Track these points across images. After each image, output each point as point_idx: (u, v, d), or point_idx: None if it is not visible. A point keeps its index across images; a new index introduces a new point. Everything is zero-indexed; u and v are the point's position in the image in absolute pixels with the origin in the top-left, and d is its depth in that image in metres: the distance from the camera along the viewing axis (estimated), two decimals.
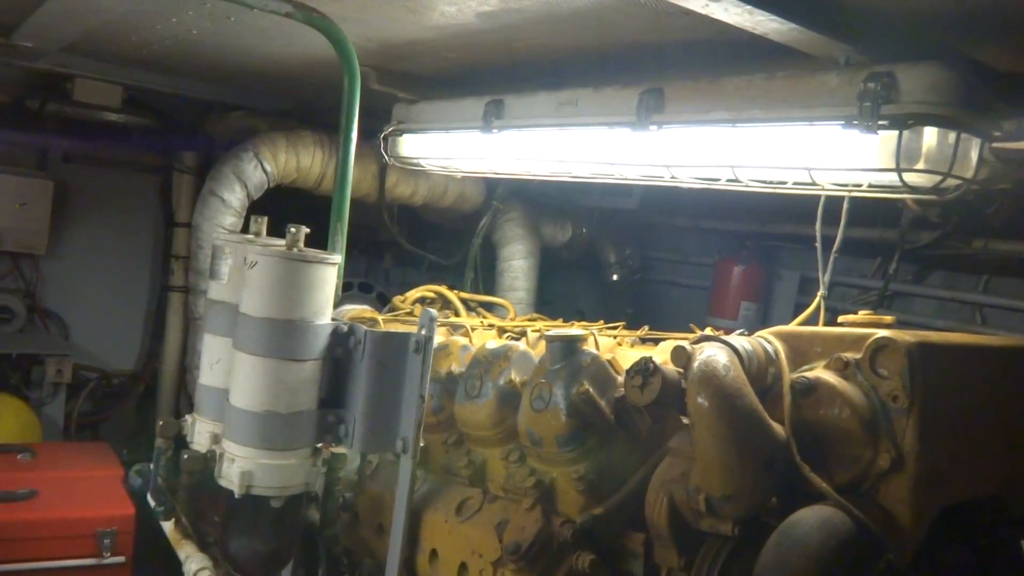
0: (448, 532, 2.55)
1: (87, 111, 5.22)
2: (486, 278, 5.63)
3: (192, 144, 5.54)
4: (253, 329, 2.46)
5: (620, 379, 2.39)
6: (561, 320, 3.82)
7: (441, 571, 2.53)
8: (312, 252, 2.48)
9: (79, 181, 5.78)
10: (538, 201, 5.70)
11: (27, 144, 5.60)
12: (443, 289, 4.14)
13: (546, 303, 6.26)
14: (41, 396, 5.12)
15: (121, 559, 3.75)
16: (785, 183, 2.85)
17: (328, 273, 2.50)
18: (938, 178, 2.46)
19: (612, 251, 6.27)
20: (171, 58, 4.25)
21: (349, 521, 2.89)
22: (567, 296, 6.73)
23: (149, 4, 3.26)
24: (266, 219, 2.79)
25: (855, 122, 2.43)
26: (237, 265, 2.62)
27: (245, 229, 2.89)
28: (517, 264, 5.38)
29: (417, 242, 5.73)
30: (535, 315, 4.37)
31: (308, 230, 2.55)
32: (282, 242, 2.54)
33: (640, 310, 6.24)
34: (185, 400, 5.22)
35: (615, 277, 6.29)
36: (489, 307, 4.46)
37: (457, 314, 3.96)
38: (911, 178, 2.47)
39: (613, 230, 6.28)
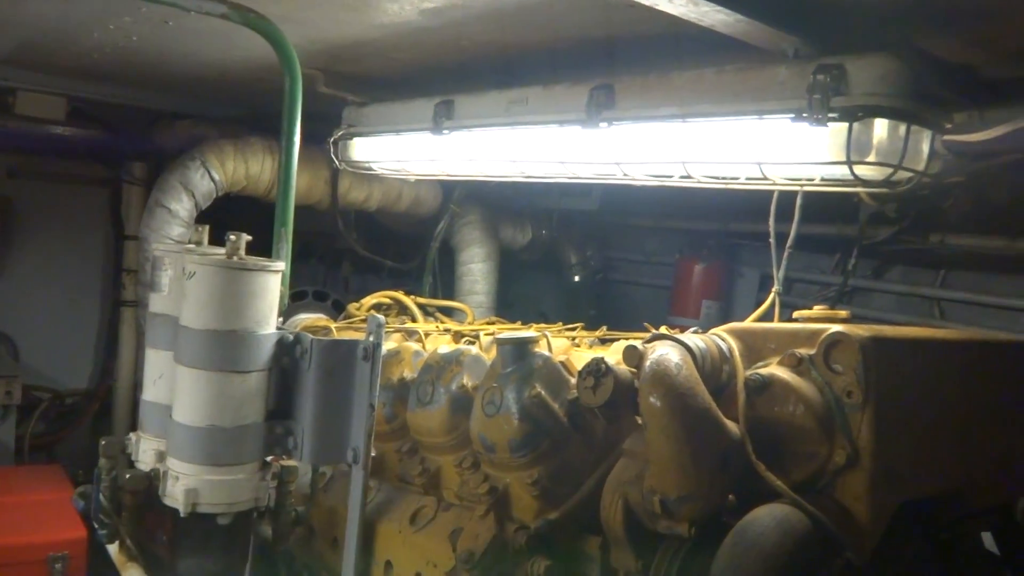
0: (402, 542, 2.49)
1: (31, 125, 5.09)
2: (446, 283, 5.57)
3: (140, 155, 5.42)
4: (194, 341, 2.38)
5: (573, 381, 2.34)
6: (520, 323, 3.78)
7: None
8: (252, 260, 2.41)
9: (25, 196, 5.62)
10: (496, 203, 5.64)
11: None
12: (399, 295, 4.08)
13: (508, 306, 6.21)
14: None
15: None
16: (738, 178, 2.83)
17: (270, 281, 2.42)
18: (889, 171, 2.44)
19: (573, 252, 6.24)
20: (113, 67, 4.15)
21: (303, 535, 2.82)
22: (529, 298, 6.68)
23: (82, 11, 3.17)
24: (207, 228, 2.72)
25: (805, 115, 2.40)
26: (177, 276, 2.54)
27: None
28: (476, 267, 5.32)
29: (375, 248, 5.65)
30: (494, 318, 4.33)
31: (249, 237, 2.47)
32: (223, 251, 2.47)
33: (603, 311, 6.21)
34: None
35: (577, 278, 6.25)
36: (448, 312, 4.40)
37: (414, 320, 3.90)
38: (862, 171, 2.45)
39: (573, 231, 6.24)
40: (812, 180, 2.68)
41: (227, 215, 3.96)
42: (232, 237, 2.44)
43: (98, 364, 5.88)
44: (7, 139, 5.25)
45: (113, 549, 2.60)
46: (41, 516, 3.83)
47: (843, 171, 2.47)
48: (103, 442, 2.59)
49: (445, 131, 3.38)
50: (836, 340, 2.06)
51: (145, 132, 5.30)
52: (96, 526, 2.57)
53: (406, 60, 3.50)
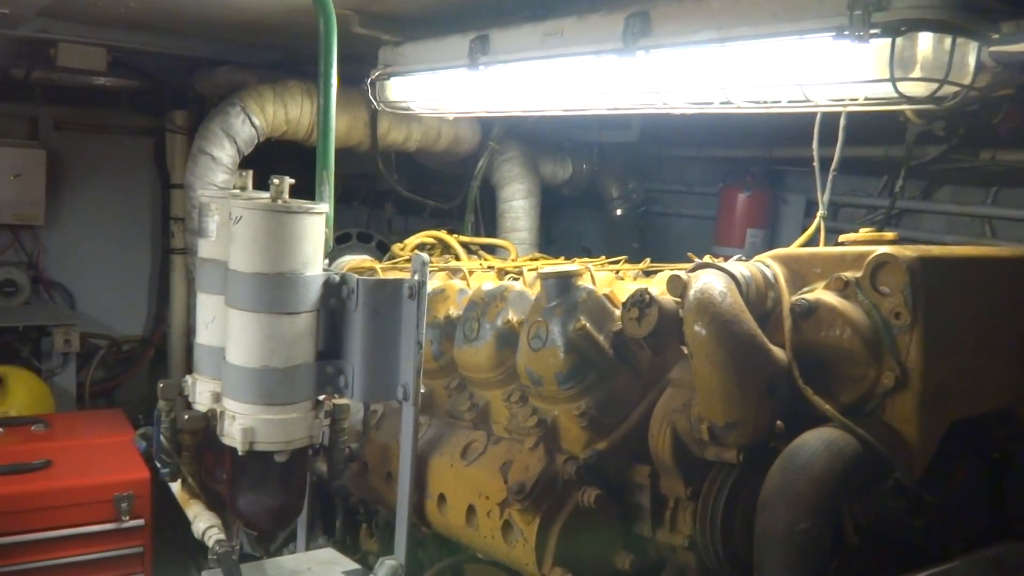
0: (454, 476, 2.54)
1: (73, 76, 5.15)
2: (487, 221, 5.57)
3: (182, 103, 5.45)
4: (243, 284, 2.42)
5: (618, 313, 2.35)
6: (563, 258, 3.78)
7: (449, 515, 2.53)
8: (296, 203, 2.43)
9: (72, 148, 5.72)
10: (536, 139, 5.60)
11: (16, 114, 5.53)
12: (442, 234, 4.09)
13: (551, 242, 6.22)
14: (51, 367, 5.13)
15: (140, 522, 3.76)
16: (779, 102, 2.77)
17: (315, 223, 2.45)
18: (935, 86, 2.37)
19: (614, 186, 6.18)
20: (152, 16, 4.15)
21: (358, 471, 2.89)
22: (572, 234, 6.67)
23: None
24: (251, 173, 2.74)
25: (846, 32, 2.33)
26: (223, 222, 2.58)
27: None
28: (518, 204, 5.30)
29: (416, 189, 5.66)
30: (537, 255, 4.33)
31: (292, 181, 2.49)
32: (267, 195, 2.49)
33: (646, 243, 6.18)
34: None
35: (619, 212, 6.21)
36: (491, 250, 4.42)
37: (457, 258, 3.92)
38: (907, 88, 2.38)
39: (614, 164, 6.18)
40: (856, 100, 2.61)
41: (270, 160, 3.99)
42: (275, 181, 2.46)
43: (151, 311, 6.03)
44: (51, 91, 5.32)
45: (175, 487, 2.69)
46: (105, 458, 3.94)
47: (887, 89, 2.40)
48: (161, 385, 2.66)
49: (481, 67, 3.35)
50: (883, 261, 2.04)
51: (186, 80, 5.33)
52: (158, 466, 2.65)
53: None
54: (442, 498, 2.56)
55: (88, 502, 3.72)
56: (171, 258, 5.56)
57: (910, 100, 2.40)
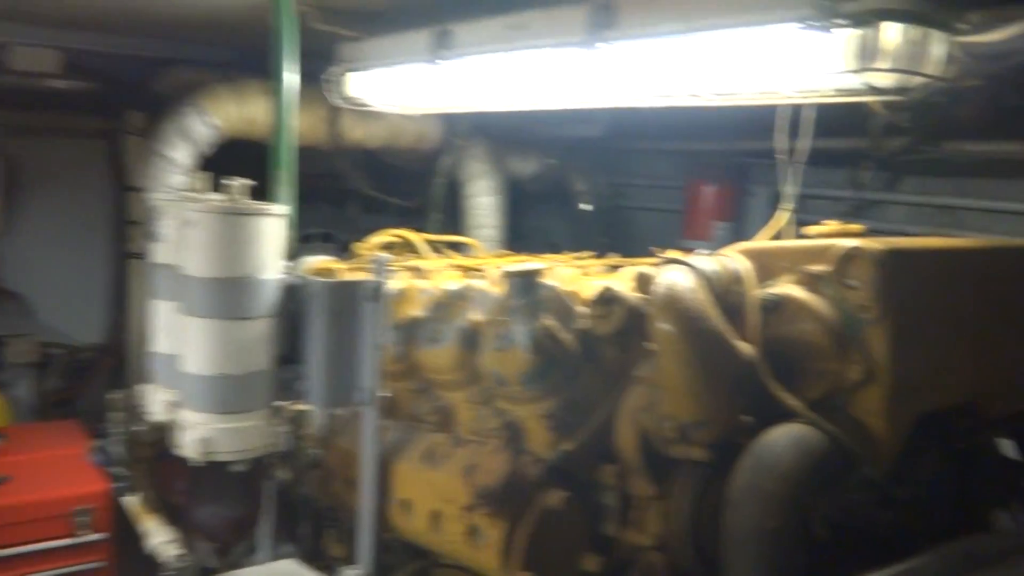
0: (418, 480, 2.48)
1: (28, 80, 5.00)
2: (453, 218, 5.50)
3: (139, 104, 5.32)
4: (197, 290, 2.36)
5: (583, 311, 2.30)
6: (527, 254, 3.72)
7: (414, 520, 2.47)
8: (251, 204, 2.37)
9: (29, 154, 5.56)
10: (501, 135, 5.54)
11: None
12: (406, 232, 4.02)
13: (518, 238, 6.15)
14: (7, 378, 5.00)
15: (100, 535, 3.68)
16: (745, 94, 2.73)
17: (272, 225, 2.39)
18: (902, 77, 2.34)
19: (581, 180, 6.14)
20: (108, 16, 4.06)
21: (321, 477, 2.82)
22: (539, 230, 6.62)
23: None
24: (206, 175, 2.67)
25: (813, 23, 2.30)
26: (177, 225, 2.51)
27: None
28: (484, 201, 5.25)
29: (381, 187, 5.58)
30: (503, 252, 4.28)
31: (249, 182, 2.43)
32: (222, 197, 2.43)
33: (614, 238, 6.14)
34: None
35: (587, 207, 6.17)
36: (457, 247, 4.35)
37: (422, 257, 3.85)
38: (874, 79, 2.35)
39: (581, 159, 6.14)
40: (822, 91, 2.59)
41: (233, 161, 3.90)
42: (229, 183, 2.39)
43: (111, 318, 5.89)
44: (6, 96, 5.18)
45: (130, 501, 2.62)
46: (63, 471, 3.85)
47: (855, 80, 2.38)
48: (113, 396, 2.59)
49: (443, 61, 3.29)
50: (851, 255, 2.00)
51: (142, 81, 5.20)
52: (112, 479, 2.58)
53: None
54: (406, 503, 2.50)
55: (47, 517, 3.63)
56: (129, 263, 5.43)
57: (877, 91, 2.37)
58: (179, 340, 2.45)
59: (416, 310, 2.72)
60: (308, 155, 5.25)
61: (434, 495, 2.40)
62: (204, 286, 2.33)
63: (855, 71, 2.30)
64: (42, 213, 5.62)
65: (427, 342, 2.57)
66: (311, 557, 3.03)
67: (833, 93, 2.59)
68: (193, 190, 2.64)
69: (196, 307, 2.35)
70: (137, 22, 4.19)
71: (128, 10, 3.89)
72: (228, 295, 2.32)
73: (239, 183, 2.37)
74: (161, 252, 2.59)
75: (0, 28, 4.38)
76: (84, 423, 4.56)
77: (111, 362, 5.77)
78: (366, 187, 5.31)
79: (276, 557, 2.88)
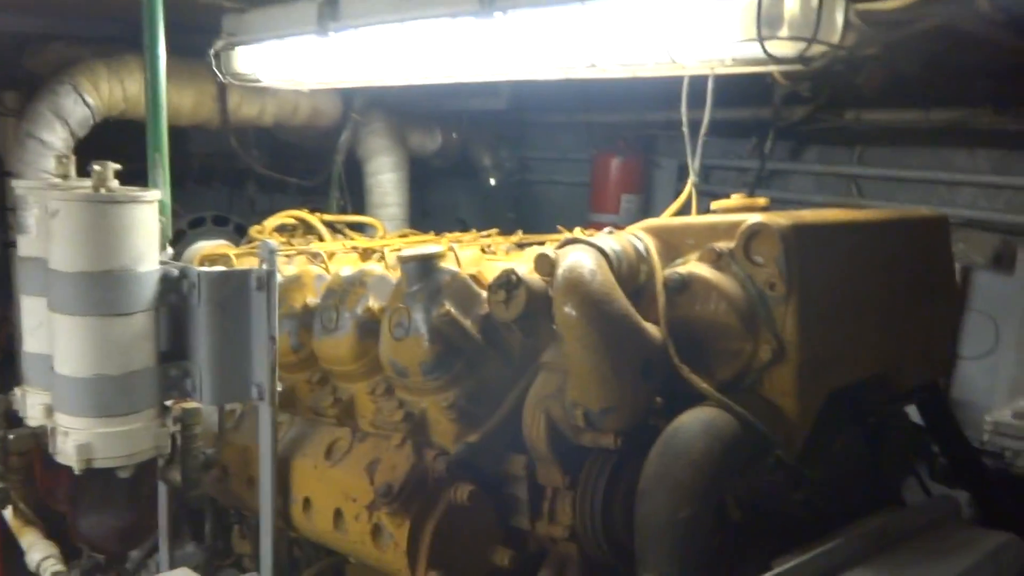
0: (319, 478, 2.36)
1: None
2: (356, 196, 5.33)
3: (12, 83, 4.98)
4: (66, 286, 2.17)
5: (485, 295, 2.20)
6: (433, 233, 3.61)
7: (316, 520, 2.35)
8: (122, 191, 2.18)
9: None
10: (401, 109, 5.37)
11: None
12: (303, 213, 3.86)
13: (424, 216, 6.02)
14: None
15: None
16: (646, 65, 2.66)
17: (145, 213, 2.21)
18: (803, 46, 2.30)
19: (487, 155, 6.03)
20: None
21: (218, 476, 2.66)
22: (446, 206, 6.48)
23: None
24: (73, 159, 2.47)
25: None
26: (42, 215, 2.30)
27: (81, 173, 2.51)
28: (385, 178, 5.08)
29: (278, 166, 5.34)
30: (407, 231, 4.15)
31: (118, 166, 2.24)
32: (88, 184, 2.23)
33: (522, 213, 6.06)
34: None
35: (493, 181, 6.06)
36: (359, 228, 4.20)
37: (321, 239, 3.70)
38: (775, 47, 2.30)
39: (485, 133, 6.02)
40: (724, 61, 2.53)
41: (114, 143, 3.66)
42: (97, 168, 2.20)
43: None
44: None
45: (7, 514, 2.42)
46: None
47: (755, 49, 2.32)
48: None
49: (332, 32, 3.12)
50: (756, 231, 1.95)
51: (14, 58, 4.86)
52: None
53: None
54: (307, 502, 2.37)
55: None
56: (11, 252, 5.11)
57: (778, 60, 2.32)
58: (50, 339, 2.26)
59: (312, 297, 2.58)
60: (199, 134, 5.03)
61: (336, 493, 2.28)
62: (73, 281, 2.14)
63: (755, 40, 2.25)
64: None
65: (324, 331, 2.43)
66: (218, 556, 2.89)
67: (734, 63, 2.53)
68: (60, 175, 2.43)
69: (66, 304, 2.16)
70: None
71: None
72: (100, 290, 2.13)
73: (106, 167, 2.18)
74: (27, 244, 2.38)
75: None
76: None
77: None
78: (260, 166, 5.08)
79: (176, 561, 2.72)
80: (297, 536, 2.58)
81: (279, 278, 2.35)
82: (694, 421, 1.85)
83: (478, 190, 6.26)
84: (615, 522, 2.03)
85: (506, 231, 3.58)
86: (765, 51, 2.25)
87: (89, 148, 4.08)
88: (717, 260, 2.00)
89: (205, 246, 3.74)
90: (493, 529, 2.14)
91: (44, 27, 4.60)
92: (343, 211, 5.04)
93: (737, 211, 2.24)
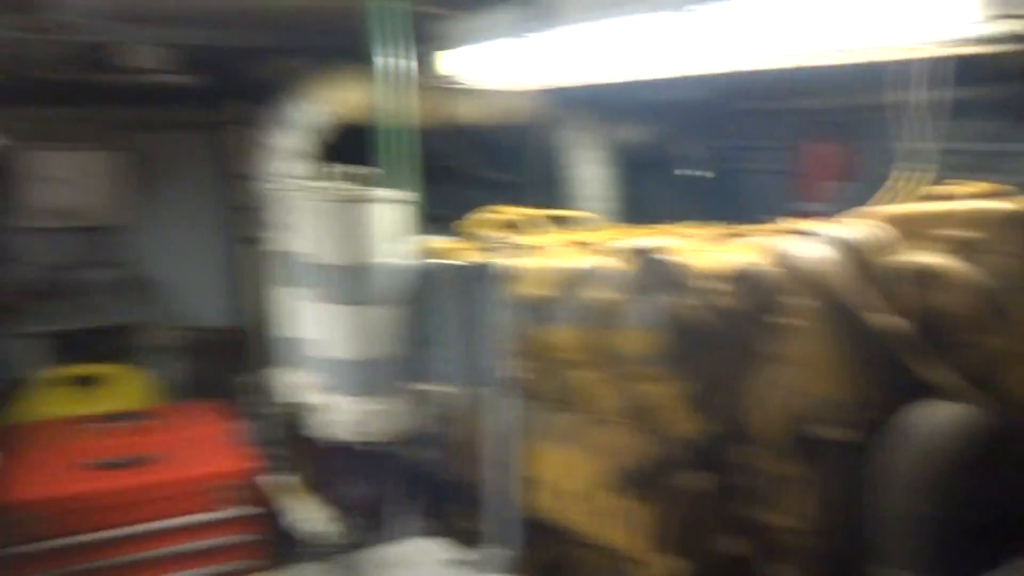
0: (562, 462, 2.46)
1: (141, 77, 5.18)
2: (559, 191, 5.44)
3: (245, 95, 5.44)
4: (331, 277, 2.39)
5: (713, 285, 2.24)
6: (641, 225, 3.65)
7: (557, 501, 2.46)
8: (377, 192, 2.38)
9: (148, 148, 5.87)
10: (601, 104, 5.43)
11: (90, 118, 5.64)
12: (514, 209, 3.99)
13: (625, 209, 6.06)
14: (151, 361, 5.24)
15: (246, 510, 3.76)
16: (864, 48, 2.59)
17: (396, 212, 2.39)
18: None
19: (688, 146, 5.99)
20: (212, 10, 4.13)
21: (461, 457, 2.82)
22: (647, 199, 6.49)
23: None
24: (321, 163, 2.70)
25: None
26: (296, 213, 2.54)
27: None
28: (587, 171, 5.17)
29: (483, 163, 5.55)
30: (616, 224, 4.21)
31: (375, 170, 2.44)
32: (347, 185, 2.45)
33: (724, 203, 5.99)
34: None
35: (695, 172, 6.03)
36: (565, 221, 4.30)
37: (534, 233, 3.82)
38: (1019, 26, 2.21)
39: (686, 124, 5.98)
40: (957, 42, 2.44)
41: (347, 147, 3.93)
42: (350, 170, 2.41)
43: (242, 302, 6.11)
44: (122, 94, 5.37)
45: (273, 478, 2.69)
46: (209, 449, 3.97)
47: (994, 28, 2.23)
48: (244, 379, 2.66)
49: (535, 34, 3.22)
50: (1008, 219, 1.88)
51: (241, 70, 5.31)
52: (257, 458, 2.65)
53: None
54: (548, 484, 2.49)
55: (195, 492, 3.74)
56: (250, 249, 5.58)
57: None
58: (319, 326, 2.48)
59: (541, 288, 2.70)
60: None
61: (578, 476, 2.38)
62: (337, 273, 2.36)
63: (1003, 17, 2.16)
64: (168, 203, 6.03)
65: (556, 321, 2.54)
66: (450, 534, 3.07)
67: (965, 44, 2.44)
68: (317, 177, 2.66)
69: (333, 293, 2.39)
70: (241, 13, 4.26)
71: (228, 2, 3.96)
72: (359, 281, 2.35)
73: (361, 170, 2.38)
74: (281, 240, 2.62)
75: (108, 28, 4.52)
76: (224, 404, 4.70)
77: (239, 345, 5.96)
78: (468, 164, 5.28)
79: (417, 535, 2.92)
80: (533, 517, 2.70)
81: (510, 271, 2.48)
82: (938, 414, 1.81)
83: (678, 181, 6.23)
84: (850, 515, 2.02)
85: (709, 222, 3.57)
86: (1011, 33, 2.16)
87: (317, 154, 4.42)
88: (963, 249, 1.95)
89: (432, 242, 3.95)
90: (729, 517, 2.18)
91: (278, 42, 5.01)
92: (548, 206, 5.16)
93: (977, 197, 2.16)
